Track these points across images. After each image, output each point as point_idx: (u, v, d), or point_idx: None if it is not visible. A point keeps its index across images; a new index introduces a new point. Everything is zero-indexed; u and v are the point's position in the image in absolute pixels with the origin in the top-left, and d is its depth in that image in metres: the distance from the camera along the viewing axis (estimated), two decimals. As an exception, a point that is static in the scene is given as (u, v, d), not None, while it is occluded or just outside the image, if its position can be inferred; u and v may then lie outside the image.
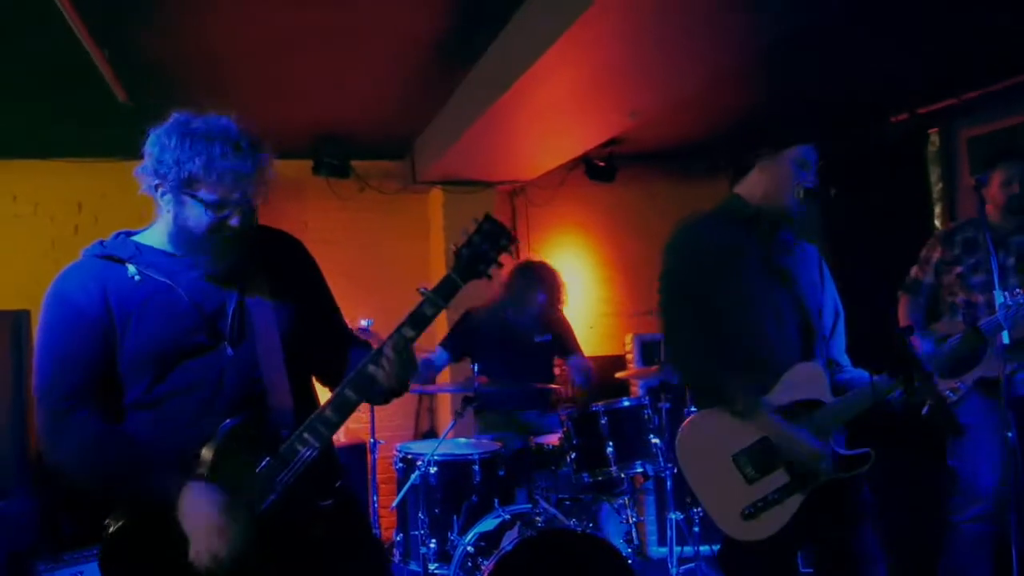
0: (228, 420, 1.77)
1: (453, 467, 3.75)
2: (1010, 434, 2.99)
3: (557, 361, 4.58)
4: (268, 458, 1.77)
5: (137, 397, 1.81)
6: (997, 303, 2.85)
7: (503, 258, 1.85)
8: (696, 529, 3.80)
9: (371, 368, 1.79)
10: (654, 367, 4.28)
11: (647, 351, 5.24)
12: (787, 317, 2.42)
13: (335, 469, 1.99)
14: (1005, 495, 3.32)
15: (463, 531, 3.60)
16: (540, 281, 4.26)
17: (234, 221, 1.78)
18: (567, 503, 3.75)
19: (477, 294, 4.37)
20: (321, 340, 2.04)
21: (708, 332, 2.36)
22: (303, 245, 2.09)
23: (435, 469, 3.72)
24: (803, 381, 2.36)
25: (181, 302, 1.81)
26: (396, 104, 4.80)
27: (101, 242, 1.88)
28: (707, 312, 2.37)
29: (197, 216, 1.76)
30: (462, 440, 4.06)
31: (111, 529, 1.77)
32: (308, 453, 1.79)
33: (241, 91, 4.42)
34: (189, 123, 1.76)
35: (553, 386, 4.32)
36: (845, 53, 4.17)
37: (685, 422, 2.44)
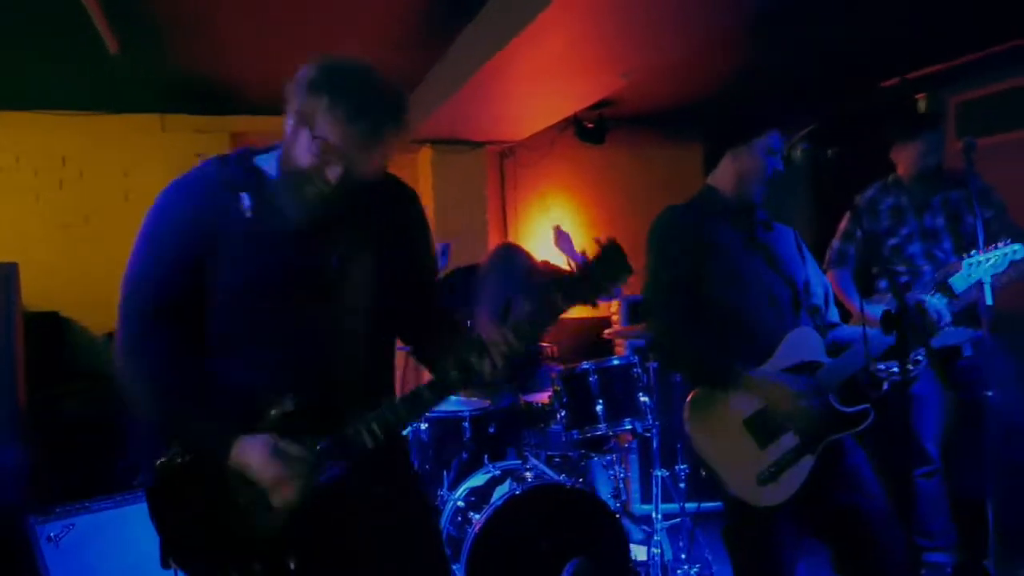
0: (293, 395, 1.71)
1: (443, 424, 3.79)
2: (990, 393, 3.11)
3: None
4: (329, 438, 1.71)
5: (218, 336, 1.76)
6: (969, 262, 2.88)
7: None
8: (682, 486, 3.87)
9: (452, 374, 1.69)
10: (640, 326, 4.32)
11: (632, 311, 5.28)
12: (776, 291, 2.47)
13: (396, 458, 1.91)
14: (952, 452, 3.60)
15: (453, 486, 3.64)
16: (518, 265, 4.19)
17: (331, 173, 1.66)
18: (556, 460, 3.82)
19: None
20: (412, 308, 1.93)
21: (697, 317, 2.40)
22: (418, 199, 1.97)
23: (426, 425, 3.76)
24: (800, 344, 2.41)
25: (282, 251, 1.73)
26: (388, 63, 4.70)
27: (222, 160, 1.80)
28: (697, 297, 2.41)
29: (303, 151, 1.66)
30: (452, 398, 4.10)
31: (161, 460, 1.74)
32: (371, 443, 1.71)
33: (233, 47, 4.37)
34: (347, 67, 1.67)
35: (542, 344, 4.33)
36: (835, 19, 4.18)
37: (692, 392, 2.45)
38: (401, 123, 1.69)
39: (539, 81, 4.45)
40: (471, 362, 1.67)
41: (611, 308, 5.52)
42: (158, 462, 1.75)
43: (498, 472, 3.55)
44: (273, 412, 1.70)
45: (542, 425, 3.84)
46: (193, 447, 1.74)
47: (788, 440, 2.34)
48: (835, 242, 3.78)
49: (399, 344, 2.03)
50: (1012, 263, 2.72)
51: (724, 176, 2.55)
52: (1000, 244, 2.74)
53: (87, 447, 4.43)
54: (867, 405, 2.39)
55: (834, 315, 2.65)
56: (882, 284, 3.73)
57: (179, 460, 1.74)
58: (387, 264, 1.82)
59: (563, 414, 3.64)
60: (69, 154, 5.48)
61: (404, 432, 1.83)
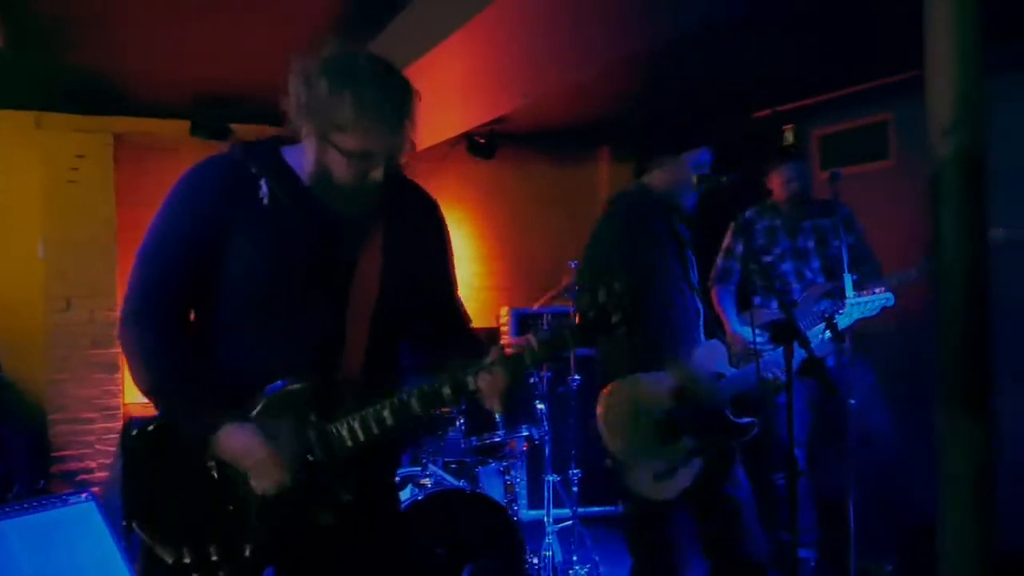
0: (282, 381, 1.72)
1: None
2: (852, 401, 3.43)
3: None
4: (312, 432, 1.72)
5: (222, 318, 1.76)
6: (847, 286, 3.24)
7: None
8: (575, 489, 4.04)
9: (445, 391, 1.72)
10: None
11: (521, 323, 5.46)
12: (691, 301, 2.72)
13: (377, 468, 1.88)
14: (817, 456, 3.94)
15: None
16: None
17: (376, 173, 1.71)
18: (453, 466, 3.91)
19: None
20: (423, 311, 1.94)
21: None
22: (439, 207, 1.99)
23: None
24: (710, 355, 2.66)
25: (296, 240, 1.75)
26: (287, 72, 4.75)
27: (248, 145, 1.81)
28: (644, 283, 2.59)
29: (338, 164, 1.69)
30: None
31: (149, 427, 1.74)
32: (350, 443, 1.72)
33: (121, 46, 4.26)
34: (340, 64, 1.67)
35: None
36: (715, 54, 4.49)
37: (606, 389, 2.62)
38: (415, 103, 1.74)
39: (437, 101, 4.55)
40: (466, 380, 1.72)
41: (500, 319, 5.68)
42: (151, 424, 1.75)
43: (397, 479, 3.61)
44: (267, 391, 1.72)
45: (440, 432, 3.92)
46: (179, 426, 1.74)
47: (687, 442, 2.56)
48: (719, 259, 4.06)
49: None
50: (883, 308, 3.11)
51: (654, 181, 2.76)
52: (877, 291, 3.13)
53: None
54: (754, 419, 2.65)
55: None
56: (756, 300, 4.05)
57: (162, 428, 1.74)
58: (401, 265, 1.84)
59: (463, 421, 3.75)
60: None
61: (393, 437, 1.80)
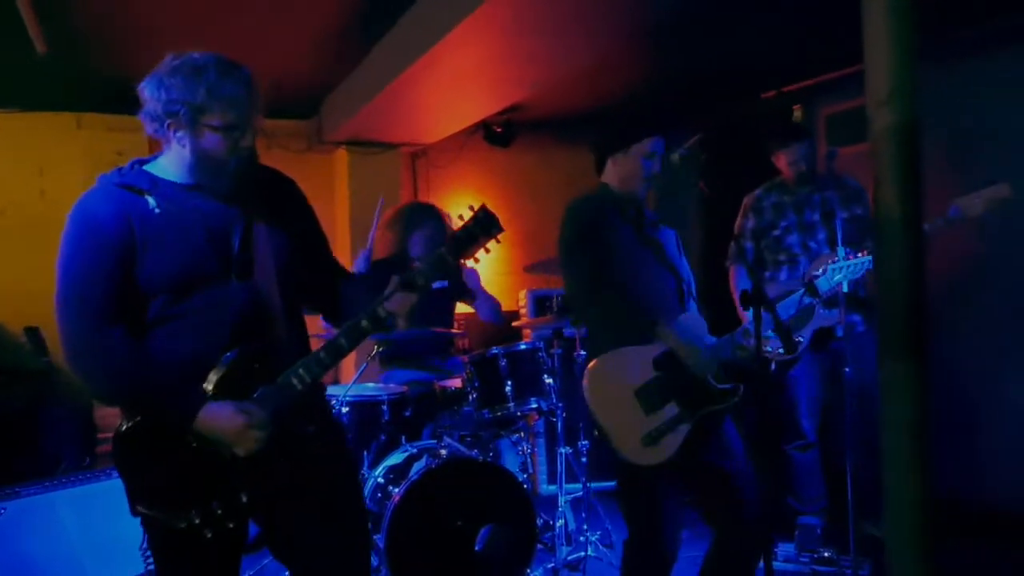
0: (229, 353, 1.97)
1: (363, 407, 3.96)
2: (847, 369, 3.55)
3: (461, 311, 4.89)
4: (264, 387, 1.99)
5: (154, 315, 1.97)
6: (839, 257, 3.35)
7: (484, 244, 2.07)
8: (584, 460, 4.20)
9: (364, 323, 2.03)
10: (546, 317, 4.66)
11: (539, 304, 5.65)
12: (663, 281, 2.84)
13: (320, 401, 2.23)
14: (824, 426, 4.07)
15: (373, 466, 3.83)
16: (424, 217, 4.46)
17: (245, 141, 1.97)
18: (468, 439, 4.05)
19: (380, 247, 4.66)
20: (314, 272, 2.24)
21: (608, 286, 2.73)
22: (294, 181, 2.25)
23: (346, 409, 3.92)
24: (687, 326, 2.76)
25: (194, 233, 1.98)
26: (308, 67, 4.99)
27: (119, 171, 2.02)
28: (605, 273, 2.74)
29: (214, 142, 1.94)
30: (370, 384, 4.31)
31: (122, 429, 1.97)
32: (300, 387, 2.01)
33: (153, 50, 4.51)
34: (184, 62, 1.93)
35: (452, 331, 4.57)
36: (722, 36, 4.62)
37: (591, 363, 2.76)
38: (254, 80, 1.99)
39: (452, 90, 4.74)
40: (378, 311, 2.03)
41: (519, 302, 5.87)
42: (119, 430, 1.99)
43: (415, 450, 3.77)
44: (223, 360, 1.97)
45: (455, 407, 4.07)
46: (159, 419, 1.97)
47: (670, 410, 2.68)
48: (733, 240, 4.19)
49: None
50: (868, 271, 3.19)
51: (609, 175, 2.91)
52: (860, 254, 3.20)
53: (8, 438, 4.50)
54: (737, 384, 2.75)
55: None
56: (767, 275, 4.18)
57: (134, 424, 1.97)
58: (286, 236, 2.11)
59: (474, 396, 3.92)
60: (-18, 150, 5.53)
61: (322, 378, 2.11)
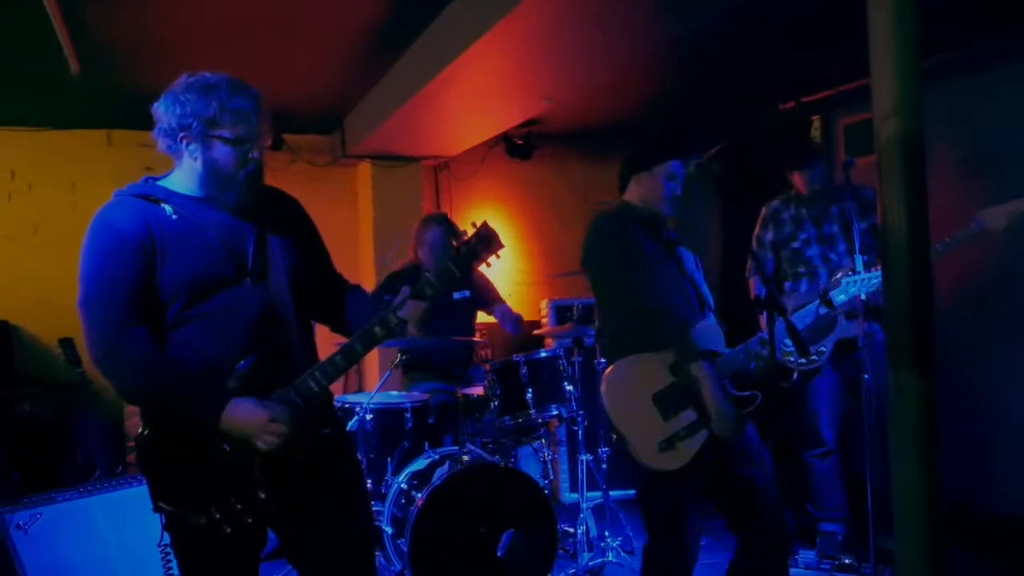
0: (244, 361, 2.04)
1: (387, 415, 4.05)
2: (866, 376, 3.56)
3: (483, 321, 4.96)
4: (282, 389, 2.07)
5: (172, 320, 2.04)
6: (858, 268, 3.38)
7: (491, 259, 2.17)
8: (604, 467, 4.25)
9: (377, 329, 2.10)
10: (567, 325, 4.72)
11: (560, 313, 5.71)
12: (688, 294, 2.86)
13: (331, 403, 2.34)
14: (845, 435, 4.08)
15: (397, 472, 3.91)
16: (429, 224, 4.56)
17: (255, 153, 2.07)
18: (491, 446, 4.12)
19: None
20: (320, 284, 2.32)
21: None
22: (298, 200, 2.36)
23: (371, 416, 4.02)
24: (705, 333, 2.78)
25: (211, 239, 2.06)
26: (331, 83, 5.10)
27: (132, 186, 2.10)
28: (639, 281, 2.77)
29: (225, 154, 2.03)
30: (394, 392, 4.40)
31: (144, 432, 2.05)
32: (316, 389, 2.09)
33: (184, 67, 4.63)
34: (197, 80, 2.03)
35: (475, 339, 4.64)
36: (741, 50, 4.66)
37: (608, 369, 2.80)
38: (262, 96, 2.09)
39: (472, 103, 4.83)
40: (389, 318, 2.11)
41: (541, 312, 5.93)
42: (141, 435, 2.07)
43: (437, 456, 3.84)
44: (238, 368, 2.04)
45: (477, 415, 4.14)
46: (185, 415, 2.05)
47: (688, 415, 2.69)
48: (750, 252, 4.25)
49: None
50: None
51: (631, 195, 2.95)
52: (875, 268, 3.23)
53: (43, 447, 4.63)
54: (756, 392, 2.74)
55: None
56: (787, 285, 4.22)
57: (154, 427, 2.06)
58: (291, 248, 2.20)
59: (496, 403, 3.98)
60: (18, 168, 5.67)
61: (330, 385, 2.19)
